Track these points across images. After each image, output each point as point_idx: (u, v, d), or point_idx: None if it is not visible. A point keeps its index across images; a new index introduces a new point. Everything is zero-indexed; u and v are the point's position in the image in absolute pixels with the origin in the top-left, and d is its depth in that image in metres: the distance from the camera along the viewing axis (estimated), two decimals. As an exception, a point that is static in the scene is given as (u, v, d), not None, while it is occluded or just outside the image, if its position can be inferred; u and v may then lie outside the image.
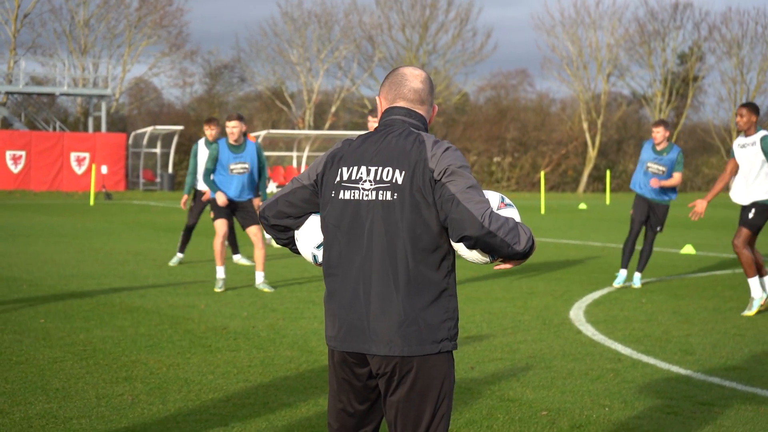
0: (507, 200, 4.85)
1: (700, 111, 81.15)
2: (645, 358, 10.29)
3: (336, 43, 73.69)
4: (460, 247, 4.72)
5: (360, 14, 74.43)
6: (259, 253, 15.24)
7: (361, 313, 4.77)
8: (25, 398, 8.34)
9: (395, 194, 4.71)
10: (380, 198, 4.74)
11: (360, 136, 4.98)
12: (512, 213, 4.79)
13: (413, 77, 4.97)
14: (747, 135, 13.38)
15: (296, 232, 5.10)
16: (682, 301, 14.36)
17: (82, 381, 8.96)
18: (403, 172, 4.71)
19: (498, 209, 4.76)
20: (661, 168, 15.69)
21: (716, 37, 76.96)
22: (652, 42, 75.65)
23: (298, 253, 5.19)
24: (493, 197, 4.80)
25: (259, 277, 15.26)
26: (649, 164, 15.78)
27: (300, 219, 5.05)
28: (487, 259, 4.72)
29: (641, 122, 78.92)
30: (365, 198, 4.78)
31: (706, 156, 78.30)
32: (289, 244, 5.18)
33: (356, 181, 4.81)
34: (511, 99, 78.97)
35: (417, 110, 4.95)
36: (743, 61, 76.43)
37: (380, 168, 4.78)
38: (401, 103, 4.97)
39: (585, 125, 72.74)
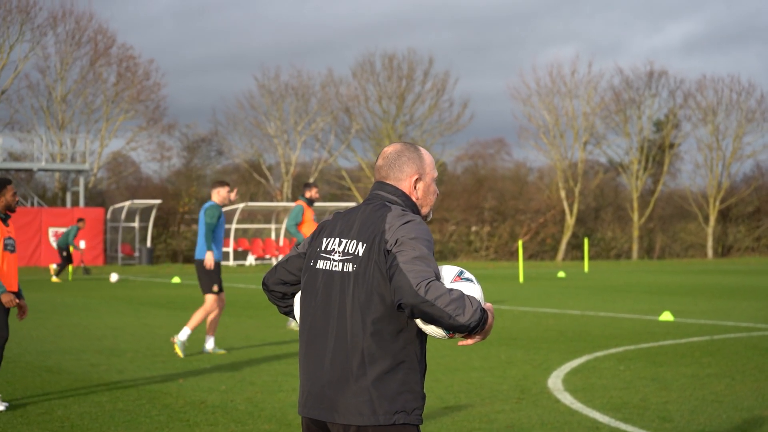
0: (467, 275, 4.78)
1: (677, 178, 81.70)
2: (623, 426, 10.31)
3: (313, 115, 74.02)
4: (419, 321, 4.70)
5: (337, 86, 74.82)
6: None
7: (322, 381, 4.83)
8: (1, 476, 8.31)
9: (355, 266, 4.82)
10: (344, 269, 4.86)
11: (348, 209, 5.11)
12: (468, 287, 4.72)
13: (381, 155, 5.14)
14: None
15: (295, 299, 5.21)
16: (661, 368, 14.39)
17: (59, 458, 8.93)
18: (365, 245, 4.83)
19: (452, 282, 4.72)
20: None
21: (691, 104, 77.68)
22: (627, 110, 76.22)
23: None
24: (449, 271, 4.78)
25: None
26: None
27: (296, 286, 5.18)
28: (442, 333, 4.65)
29: (618, 189, 79.38)
30: (334, 269, 4.90)
31: (683, 222, 78.70)
32: (289, 312, 5.30)
33: (330, 252, 4.95)
34: (489, 168, 79.34)
35: (389, 183, 5.08)
36: (719, 128, 77.08)
37: (348, 240, 4.91)
38: (376, 178, 5.14)
39: (562, 193, 73.06)
